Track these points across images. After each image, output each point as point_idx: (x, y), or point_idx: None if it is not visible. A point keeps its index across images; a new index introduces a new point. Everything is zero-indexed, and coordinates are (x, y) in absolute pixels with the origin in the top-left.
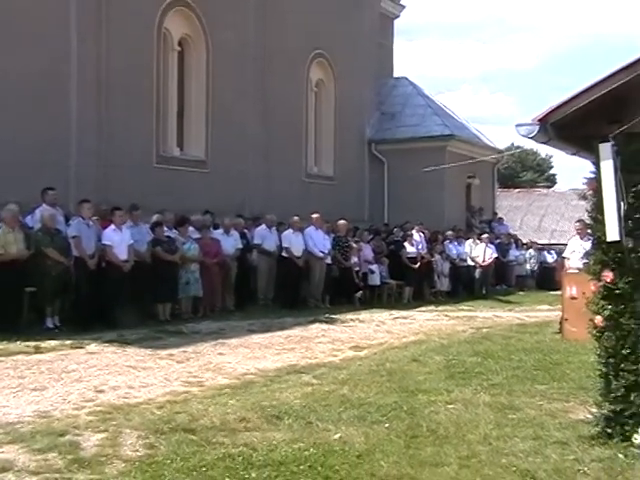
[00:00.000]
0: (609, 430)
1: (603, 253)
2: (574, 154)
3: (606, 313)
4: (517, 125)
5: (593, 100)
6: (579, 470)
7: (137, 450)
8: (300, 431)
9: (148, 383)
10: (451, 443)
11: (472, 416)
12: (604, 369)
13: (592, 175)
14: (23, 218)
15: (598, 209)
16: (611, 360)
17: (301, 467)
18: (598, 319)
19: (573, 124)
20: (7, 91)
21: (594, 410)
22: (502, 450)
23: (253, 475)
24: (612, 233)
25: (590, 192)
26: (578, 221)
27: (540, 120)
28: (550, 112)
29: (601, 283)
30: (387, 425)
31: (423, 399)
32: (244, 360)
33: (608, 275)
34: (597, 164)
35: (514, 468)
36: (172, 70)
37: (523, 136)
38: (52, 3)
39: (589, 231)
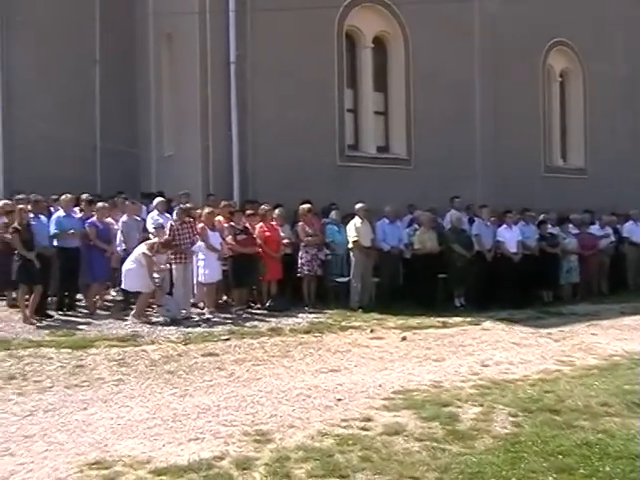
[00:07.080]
0: None
1: None
2: None
3: None
4: None
5: None
6: None
7: (505, 427)
8: None
9: (526, 360)
10: None
11: None
12: None
13: None
14: (442, 220)
15: None
16: None
17: None
18: None
19: None
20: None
21: None
22: None
23: (607, 469)
24: None
25: None
26: None
27: None
28: None
29: None
30: None
31: None
32: (613, 341)
33: None
34: None
35: None
36: (555, 97)
37: None
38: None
39: None
